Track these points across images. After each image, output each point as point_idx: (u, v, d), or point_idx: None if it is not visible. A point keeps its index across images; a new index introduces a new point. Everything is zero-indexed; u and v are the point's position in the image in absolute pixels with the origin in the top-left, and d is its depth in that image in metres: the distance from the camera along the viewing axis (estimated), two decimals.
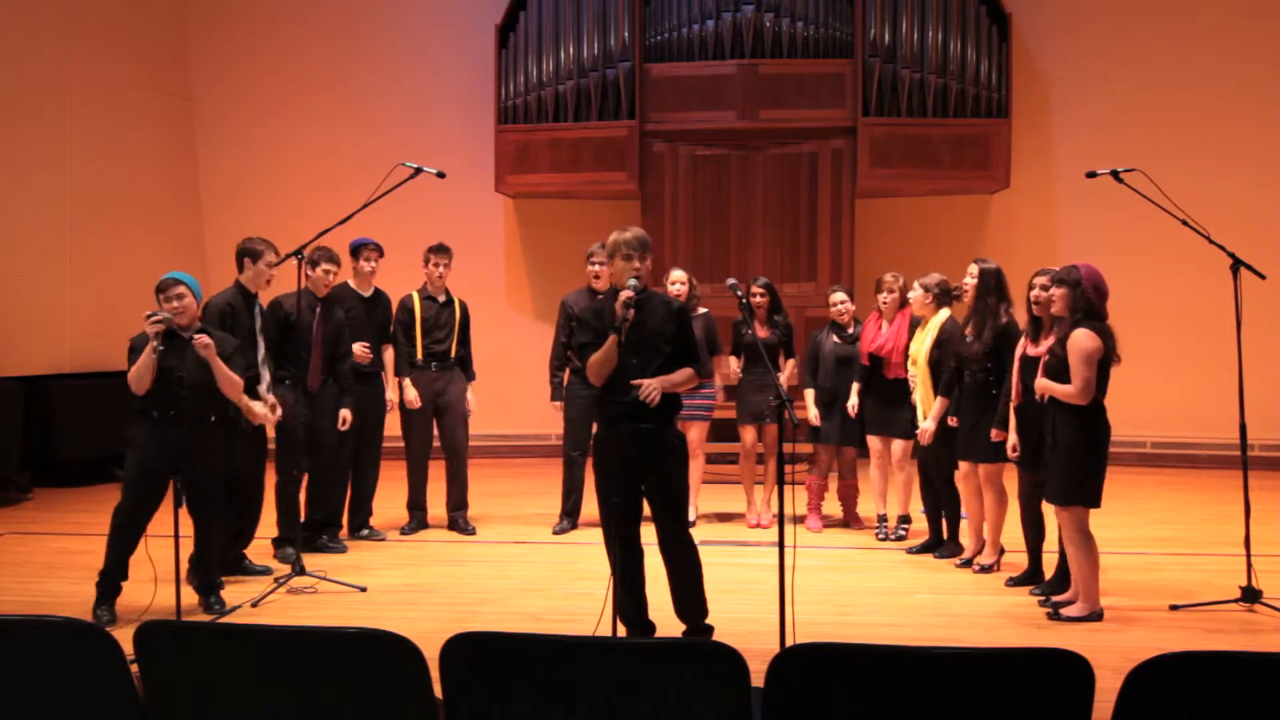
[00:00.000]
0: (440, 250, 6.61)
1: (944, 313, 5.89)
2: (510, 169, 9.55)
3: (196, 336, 4.64)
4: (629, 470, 4.08)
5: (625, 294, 4.02)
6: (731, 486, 7.26)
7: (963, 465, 5.54)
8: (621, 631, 4.09)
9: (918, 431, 5.80)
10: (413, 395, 6.48)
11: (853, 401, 6.36)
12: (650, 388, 3.99)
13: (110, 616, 4.60)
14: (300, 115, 10.21)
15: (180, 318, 4.64)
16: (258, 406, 5.21)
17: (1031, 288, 5.03)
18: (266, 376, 5.39)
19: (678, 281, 6.49)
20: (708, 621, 4.27)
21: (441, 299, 6.63)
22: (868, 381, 6.32)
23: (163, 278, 4.72)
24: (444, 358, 6.58)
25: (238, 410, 5.00)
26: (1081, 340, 4.47)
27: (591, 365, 4.12)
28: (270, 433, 5.55)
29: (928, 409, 5.76)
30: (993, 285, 5.44)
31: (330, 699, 2.40)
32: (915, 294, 5.91)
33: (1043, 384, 4.64)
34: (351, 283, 6.40)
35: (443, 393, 6.57)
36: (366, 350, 6.20)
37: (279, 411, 5.39)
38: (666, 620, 4.30)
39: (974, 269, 5.50)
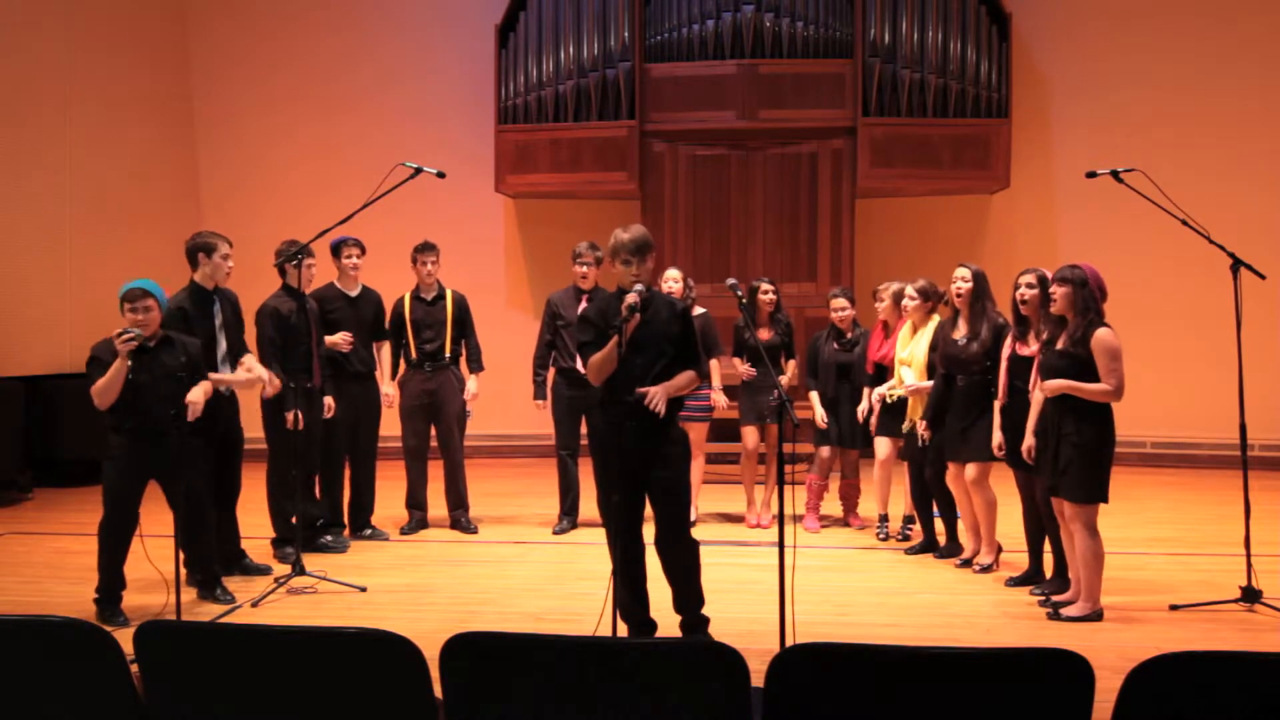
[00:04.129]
0: (426, 248, 6.57)
1: (936, 318, 5.90)
2: (510, 169, 9.55)
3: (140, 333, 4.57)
4: (632, 467, 4.09)
5: (631, 298, 4.01)
6: (732, 486, 7.26)
7: (952, 466, 5.53)
8: (623, 630, 4.09)
9: (920, 431, 5.74)
10: (393, 394, 6.54)
11: (863, 407, 6.33)
12: (656, 397, 4.00)
13: (124, 617, 4.61)
14: (300, 115, 10.22)
15: (146, 329, 4.60)
16: (236, 375, 5.17)
17: (1017, 287, 5.03)
18: (226, 374, 5.27)
19: (671, 280, 6.48)
20: (704, 612, 4.29)
21: (430, 296, 6.62)
22: (875, 388, 6.30)
23: (129, 288, 4.62)
24: (437, 356, 6.56)
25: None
26: (1108, 339, 4.47)
27: (592, 365, 4.13)
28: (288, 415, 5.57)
29: (917, 412, 5.76)
30: (985, 288, 5.46)
31: (330, 699, 2.39)
32: (914, 302, 5.88)
33: (1062, 384, 4.53)
34: (336, 282, 6.37)
35: (437, 391, 6.57)
36: (348, 339, 6.18)
37: (257, 375, 5.37)
38: (667, 618, 4.30)
39: (965, 273, 5.48)
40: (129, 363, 4.49)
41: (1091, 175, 5.48)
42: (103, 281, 8.81)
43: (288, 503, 5.72)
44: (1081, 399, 4.51)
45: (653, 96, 9.34)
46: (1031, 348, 4.92)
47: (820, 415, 6.51)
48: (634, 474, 4.10)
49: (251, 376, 5.30)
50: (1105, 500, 4.57)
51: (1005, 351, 5.12)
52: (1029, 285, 4.97)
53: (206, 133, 10.39)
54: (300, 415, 5.50)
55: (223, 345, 5.30)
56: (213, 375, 5.06)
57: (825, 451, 6.62)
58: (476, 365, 6.73)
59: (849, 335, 6.58)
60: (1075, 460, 4.54)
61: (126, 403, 4.56)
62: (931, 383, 5.65)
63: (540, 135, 9.44)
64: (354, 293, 6.38)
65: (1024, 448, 4.87)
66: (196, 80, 10.37)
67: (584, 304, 6.52)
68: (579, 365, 6.52)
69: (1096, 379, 4.49)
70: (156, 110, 9.92)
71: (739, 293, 4.19)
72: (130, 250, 9.11)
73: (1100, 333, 4.49)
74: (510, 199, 10.21)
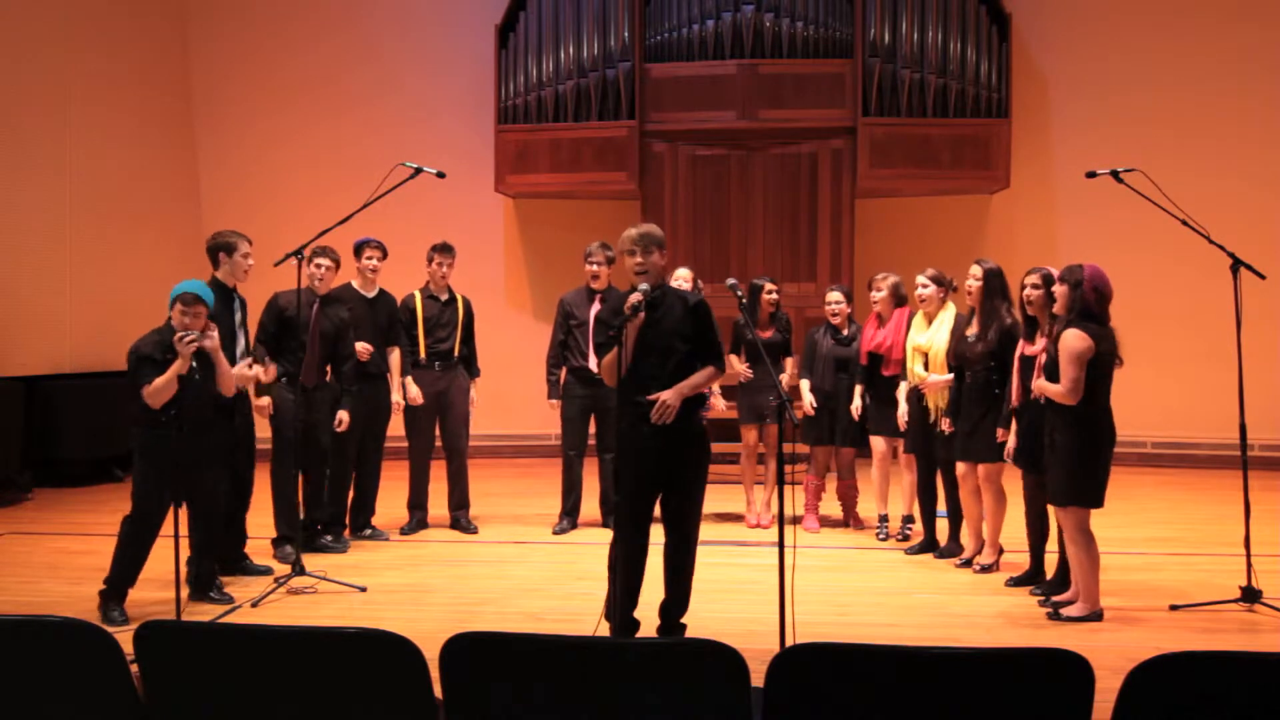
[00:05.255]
0: (444, 249, 6.61)
1: (951, 307, 5.89)
2: (510, 169, 9.55)
3: (209, 335, 4.69)
4: (650, 469, 4.09)
5: (634, 297, 4.00)
6: (731, 486, 7.26)
7: (960, 465, 5.53)
8: (605, 627, 4.08)
9: (927, 382, 5.71)
10: (415, 392, 6.47)
11: (856, 404, 6.36)
12: (664, 407, 3.98)
13: (124, 617, 4.60)
14: (300, 115, 10.22)
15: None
16: (239, 369, 5.18)
17: (1023, 287, 5.03)
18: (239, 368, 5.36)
19: (682, 279, 6.46)
20: (683, 620, 4.29)
21: (444, 297, 6.64)
22: (869, 381, 6.32)
23: (185, 291, 4.67)
24: (447, 356, 6.58)
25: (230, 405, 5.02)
26: (1070, 340, 4.47)
27: (603, 369, 4.14)
28: (257, 401, 5.58)
29: (937, 402, 5.74)
30: (997, 286, 5.44)
31: (330, 699, 2.39)
32: (929, 290, 5.86)
33: (1039, 385, 4.65)
34: (355, 283, 6.40)
35: (445, 392, 6.58)
36: (367, 348, 6.20)
37: (266, 370, 5.38)
38: (648, 618, 4.29)
39: (977, 270, 5.48)
40: (192, 364, 4.52)
41: (1091, 175, 5.48)
42: (102, 281, 8.83)
43: (288, 501, 5.72)
44: (1058, 400, 4.54)
45: (653, 96, 9.33)
46: (1035, 347, 4.91)
47: (809, 401, 6.50)
48: (650, 473, 4.10)
49: (250, 374, 5.31)
50: (1095, 504, 4.56)
51: (1017, 353, 5.12)
52: (1034, 285, 4.97)
53: (206, 133, 10.39)
54: (271, 402, 5.55)
55: (241, 342, 5.35)
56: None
57: (820, 452, 6.63)
58: (475, 370, 6.77)
59: (845, 331, 6.59)
60: (1055, 462, 4.58)
61: (174, 398, 4.58)
62: (947, 377, 5.64)
63: (540, 135, 9.44)
64: (371, 294, 6.40)
65: (1008, 450, 4.95)
66: (196, 80, 10.37)
67: (596, 304, 6.52)
68: (591, 365, 6.54)
69: None
70: (156, 110, 9.92)
71: (739, 293, 4.19)
72: (130, 250, 9.12)
73: (1066, 333, 4.50)
74: (510, 199, 10.21)
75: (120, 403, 4.75)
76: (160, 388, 4.54)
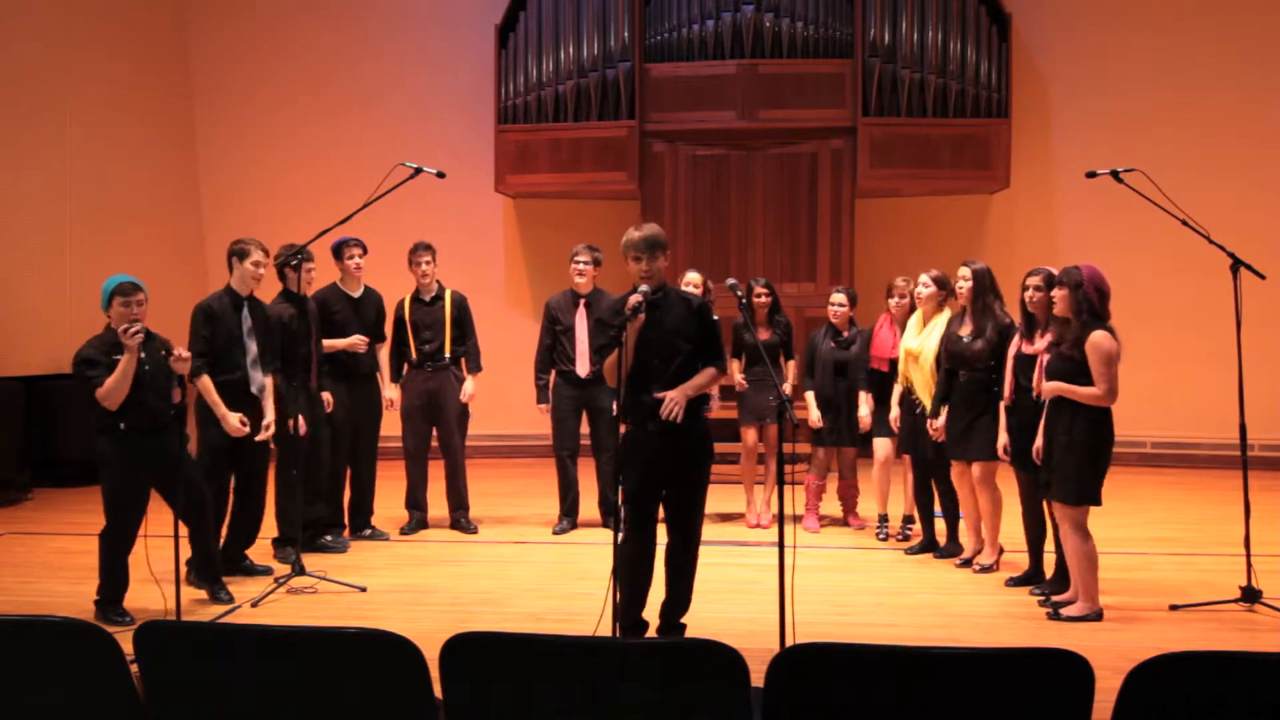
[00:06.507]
0: (417, 249, 6.57)
1: (947, 312, 5.88)
2: (510, 169, 9.55)
3: (177, 353, 4.60)
4: (655, 470, 4.10)
5: (634, 298, 4.00)
6: (732, 486, 7.25)
7: (956, 465, 5.53)
8: (606, 628, 4.08)
9: (931, 427, 5.68)
10: (391, 395, 6.56)
11: (864, 412, 6.32)
12: (673, 404, 3.98)
13: (129, 617, 4.58)
14: (300, 115, 10.21)
15: (142, 321, 4.57)
16: (232, 419, 5.14)
17: (1025, 288, 5.02)
18: (258, 378, 5.33)
19: (692, 284, 6.44)
20: (683, 620, 4.30)
21: (429, 297, 6.62)
22: (881, 386, 6.29)
23: (122, 281, 4.57)
24: (436, 356, 6.56)
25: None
26: (1102, 342, 4.46)
27: (606, 370, 4.15)
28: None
29: (928, 403, 5.74)
30: (988, 284, 5.44)
31: (330, 699, 2.40)
32: (930, 289, 5.84)
33: (1056, 386, 4.57)
34: (339, 284, 6.38)
35: (437, 392, 6.57)
36: (365, 340, 6.21)
37: (248, 428, 5.29)
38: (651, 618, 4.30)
39: (966, 271, 5.48)
40: (141, 356, 4.47)
41: (1091, 175, 5.48)
42: (102, 281, 8.81)
43: (290, 502, 5.72)
44: (1075, 401, 4.52)
45: (653, 96, 9.33)
46: (1036, 346, 4.91)
47: (815, 416, 6.51)
48: (655, 472, 4.10)
49: (243, 430, 5.18)
50: (1096, 503, 4.56)
51: (1011, 350, 5.12)
52: (1036, 287, 4.97)
53: (206, 133, 10.38)
54: (302, 419, 5.50)
55: (252, 350, 5.31)
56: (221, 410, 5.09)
57: (821, 452, 6.63)
58: (474, 366, 6.73)
59: (845, 334, 6.58)
60: (1065, 461, 4.56)
61: (129, 399, 4.52)
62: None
63: (540, 135, 9.44)
64: (357, 294, 6.38)
65: (1035, 448, 4.84)
66: (196, 80, 10.37)
67: (581, 308, 6.52)
68: (578, 369, 6.54)
69: (1092, 382, 4.49)
70: (156, 110, 9.91)
71: (739, 293, 4.19)
72: (130, 250, 9.10)
73: (1095, 336, 4.48)
74: (510, 199, 10.21)
75: (87, 411, 4.63)
76: (114, 387, 4.45)
